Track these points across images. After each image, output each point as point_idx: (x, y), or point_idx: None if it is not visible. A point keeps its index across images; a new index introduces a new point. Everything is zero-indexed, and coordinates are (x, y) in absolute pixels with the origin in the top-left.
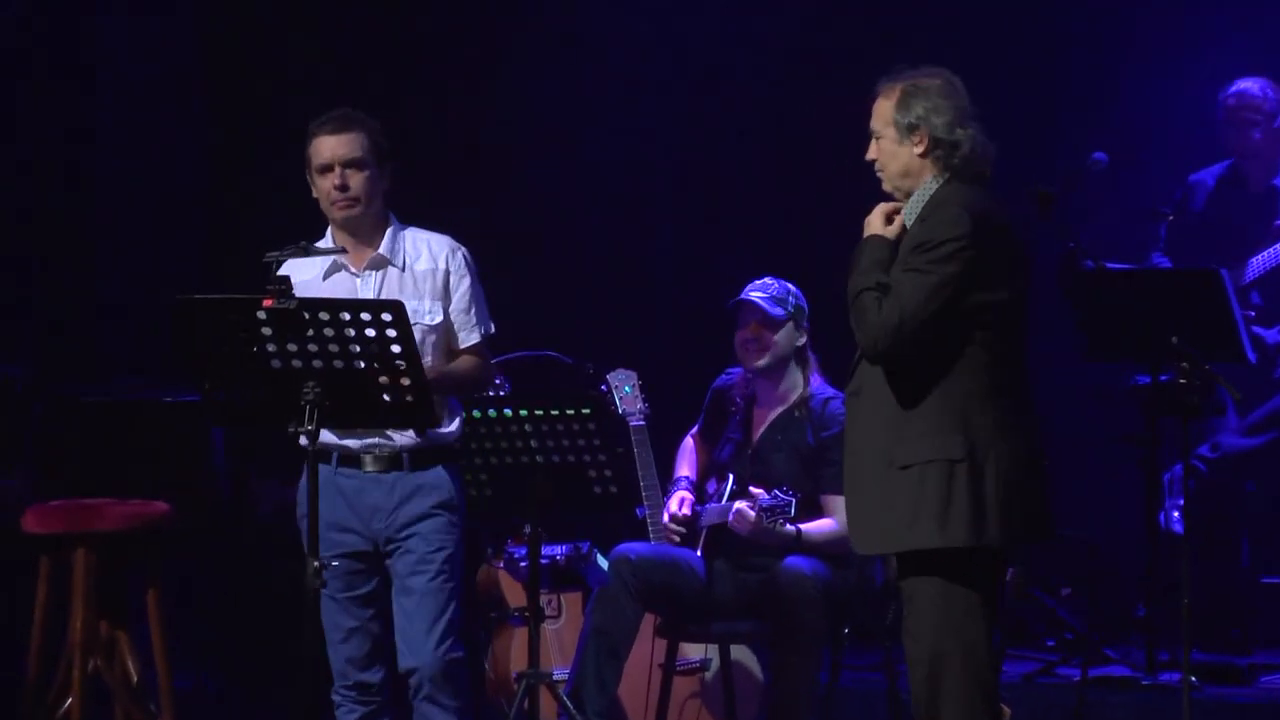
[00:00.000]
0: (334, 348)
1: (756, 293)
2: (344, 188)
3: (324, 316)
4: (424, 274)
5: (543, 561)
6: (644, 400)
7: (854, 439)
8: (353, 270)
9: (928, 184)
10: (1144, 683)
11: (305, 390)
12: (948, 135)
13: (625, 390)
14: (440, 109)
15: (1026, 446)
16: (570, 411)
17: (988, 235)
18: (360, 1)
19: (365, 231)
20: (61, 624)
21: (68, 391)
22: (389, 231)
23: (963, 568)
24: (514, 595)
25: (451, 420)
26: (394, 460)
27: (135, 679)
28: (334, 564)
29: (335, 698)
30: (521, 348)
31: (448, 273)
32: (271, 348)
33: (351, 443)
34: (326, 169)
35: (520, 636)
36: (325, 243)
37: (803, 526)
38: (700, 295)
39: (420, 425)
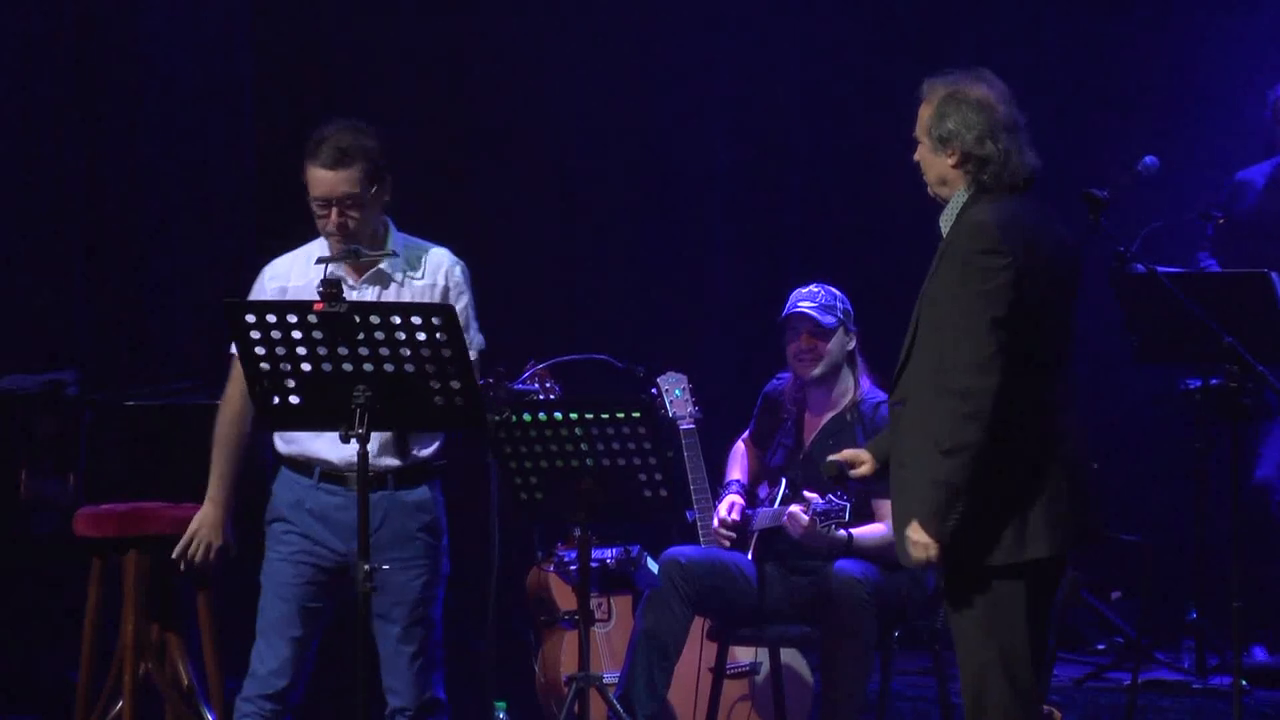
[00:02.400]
0: (384, 351)
1: (806, 303)
2: (339, 225)
3: (374, 320)
4: (423, 289)
5: (592, 565)
6: (694, 404)
7: (898, 450)
8: (351, 283)
9: (959, 194)
10: (1195, 686)
11: (356, 394)
12: (977, 150)
13: (676, 394)
14: (489, 109)
15: (1071, 456)
16: (620, 415)
17: (1016, 245)
18: (409, 4)
19: (363, 245)
20: (113, 627)
21: (118, 396)
22: (390, 243)
23: (1007, 580)
24: (564, 598)
25: (433, 440)
26: (379, 480)
27: (186, 682)
28: (383, 568)
29: (247, 706)
30: (572, 351)
31: (447, 289)
32: (322, 351)
33: (336, 459)
34: (324, 205)
35: (570, 640)
36: (319, 249)
37: (854, 531)
38: (752, 299)
39: (470, 427)
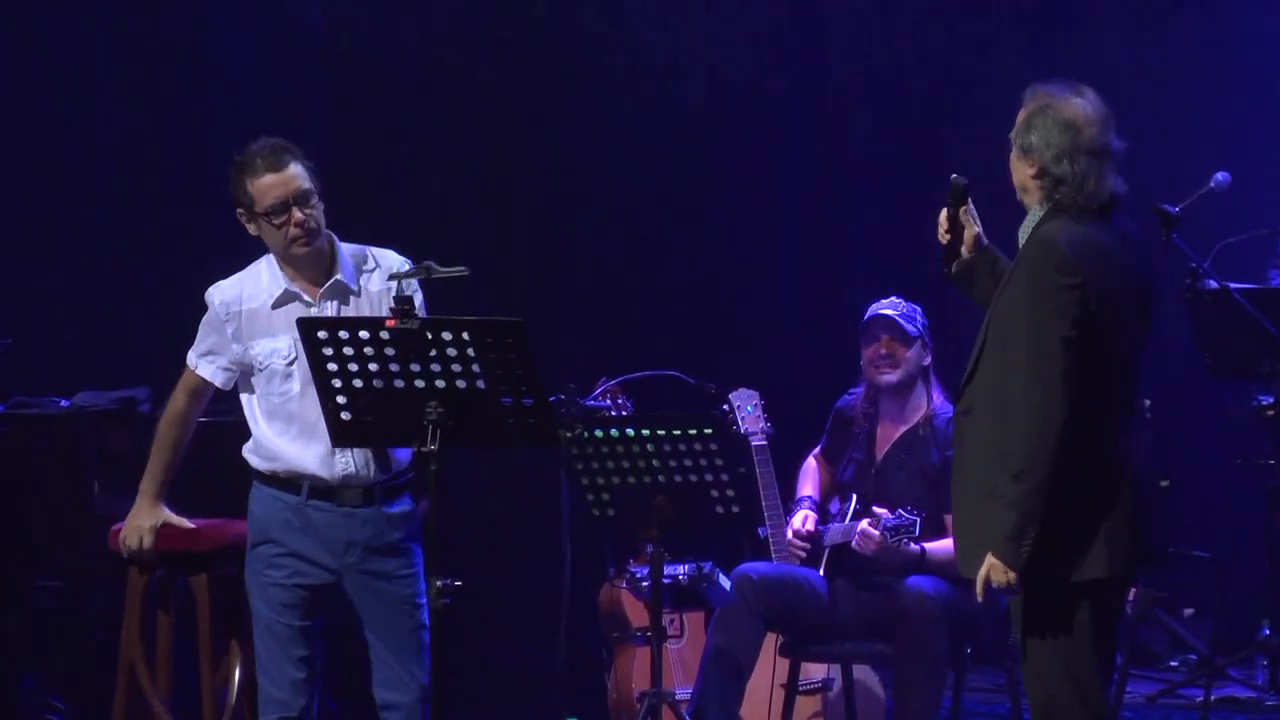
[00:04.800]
0: (456, 367)
1: (888, 309)
2: (303, 224)
3: (446, 336)
4: (379, 294)
5: (665, 581)
6: (766, 420)
7: (960, 461)
8: (307, 299)
9: (1036, 209)
10: (1268, 703)
11: (428, 410)
12: (1054, 168)
13: (747, 410)
14: (556, 124)
15: (1135, 477)
16: (692, 431)
17: (1085, 266)
18: (482, 37)
19: (316, 260)
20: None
21: None
22: (339, 255)
23: (1071, 600)
24: (636, 615)
25: (407, 454)
26: (368, 495)
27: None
28: (457, 584)
29: None
30: (644, 367)
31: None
32: (394, 368)
33: (328, 475)
34: (281, 209)
35: (643, 656)
36: (275, 276)
37: (927, 546)
38: (823, 315)
39: (543, 444)
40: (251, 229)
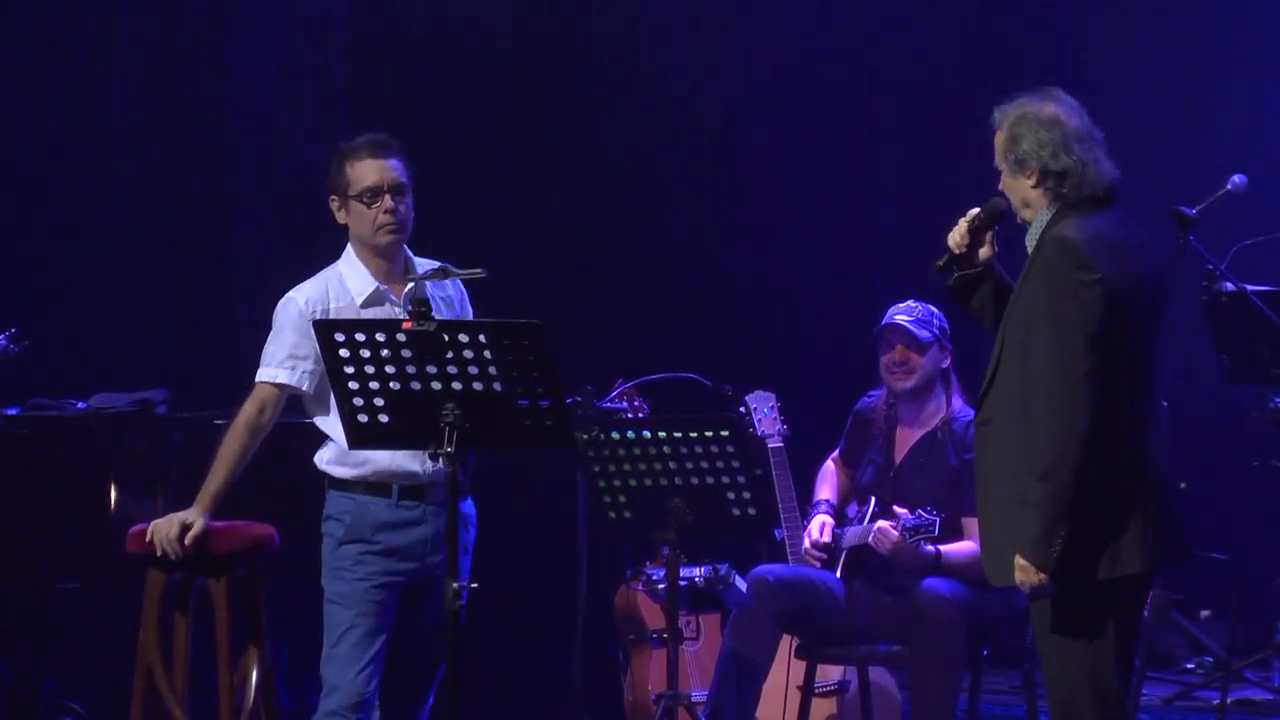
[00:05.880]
0: (473, 370)
1: (902, 316)
2: (393, 212)
3: (463, 338)
4: (445, 301)
5: (681, 583)
6: (782, 422)
7: (984, 470)
8: (394, 299)
9: (1043, 214)
10: None
11: (444, 412)
12: (1054, 165)
13: (764, 412)
14: (579, 127)
15: (1156, 473)
16: (709, 433)
17: (1102, 261)
18: (498, 35)
19: (399, 257)
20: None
21: (206, 415)
22: (414, 265)
23: (1096, 599)
24: (652, 617)
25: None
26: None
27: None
28: (473, 586)
29: None
30: (662, 369)
31: (462, 299)
32: (411, 370)
33: (421, 470)
34: (375, 193)
35: (659, 658)
36: (361, 276)
37: (944, 548)
38: (841, 317)
39: (559, 446)
40: (341, 216)
